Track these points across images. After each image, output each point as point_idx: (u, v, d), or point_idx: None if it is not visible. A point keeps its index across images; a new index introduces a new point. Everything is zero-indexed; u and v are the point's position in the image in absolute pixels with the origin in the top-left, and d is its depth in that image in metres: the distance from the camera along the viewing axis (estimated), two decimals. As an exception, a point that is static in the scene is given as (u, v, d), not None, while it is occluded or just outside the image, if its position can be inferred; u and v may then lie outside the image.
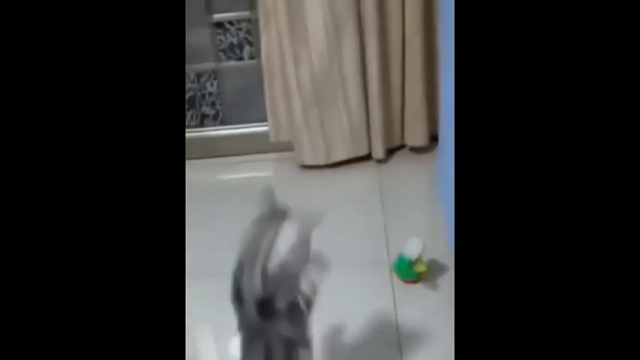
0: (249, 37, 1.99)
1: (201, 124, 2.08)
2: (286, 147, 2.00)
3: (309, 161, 1.95)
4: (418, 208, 1.61)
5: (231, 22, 1.97)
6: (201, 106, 2.06)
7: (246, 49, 2.01)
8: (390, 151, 1.97)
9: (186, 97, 2.03)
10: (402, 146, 2.00)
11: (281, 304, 0.88)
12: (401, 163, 1.94)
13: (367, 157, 1.95)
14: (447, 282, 1.35)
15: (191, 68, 2.00)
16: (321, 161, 1.94)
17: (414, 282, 1.39)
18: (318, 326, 0.97)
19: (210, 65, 2.02)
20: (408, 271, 1.39)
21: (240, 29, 1.99)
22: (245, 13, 1.97)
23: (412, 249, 1.36)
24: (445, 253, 1.40)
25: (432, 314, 1.29)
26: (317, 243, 1.55)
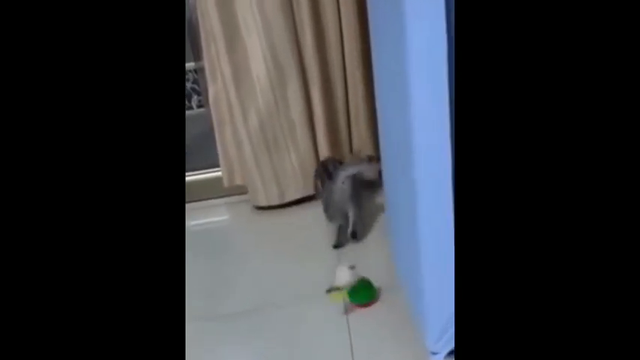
0: (197, 87, 2.04)
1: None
2: (240, 190, 2.04)
3: (263, 203, 1.99)
4: (371, 243, 1.66)
5: (177, 74, 2.02)
6: (153, 156, 2.08)
7: (194, 98, 2.06)
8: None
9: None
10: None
11: None
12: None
13: (320, 195, 2.01)
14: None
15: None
16: (275, 202, 1.98)
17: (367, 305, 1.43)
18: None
19: (160, 117, 2.05)
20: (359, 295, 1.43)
21: (187, 80, 2.03)
22: (190, 64, 2.02)
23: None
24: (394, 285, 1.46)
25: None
26: (274, 280, 1.60)
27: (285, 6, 1.78)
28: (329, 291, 1.40)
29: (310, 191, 1.98)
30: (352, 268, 1.40)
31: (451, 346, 1.16)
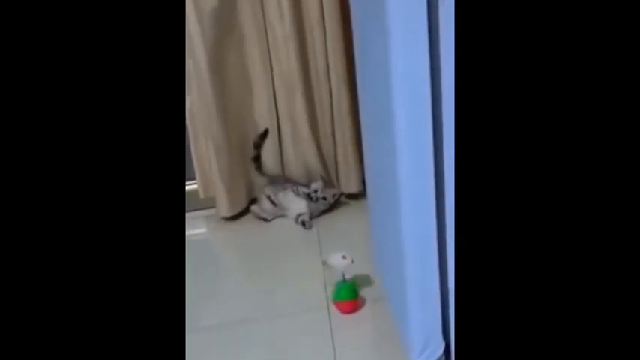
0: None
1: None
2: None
3: (240, 208, 1.98)
4: (357, 254, 1.65)
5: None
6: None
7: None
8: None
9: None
10: (340, 194, 2.04)
11: None
12: (337, 210, 1.99)
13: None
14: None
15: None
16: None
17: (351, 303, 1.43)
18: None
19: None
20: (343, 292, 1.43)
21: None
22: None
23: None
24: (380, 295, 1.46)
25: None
26: (256, 292, 1.58)
27: (262, 25, 1.80)
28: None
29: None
30: (344, 257, 1.43)
31: (434, 357, 1.17)
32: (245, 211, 2.01)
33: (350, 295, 1.43)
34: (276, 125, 1.93)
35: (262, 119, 1.92)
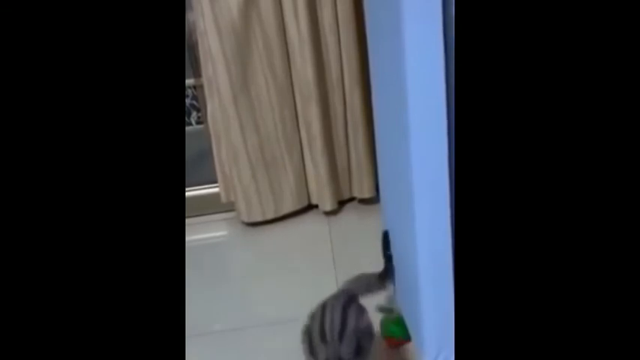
0: (196, 103, 2.05)
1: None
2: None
3: (258, 218, 1.99)
4: (369, 262, 1.65)
5: (177, 90, 2.03)
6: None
7: (193, 114, 2.06)
8: (340, 204, 2.03)
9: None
10: (352, 199, 2.06)
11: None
12: (350, 216, 2.00)
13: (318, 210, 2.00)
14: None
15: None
16: (271, 215, 1.98)
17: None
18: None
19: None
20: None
21: (186, 96, 2.04)
22: (190, 81, 2.03)
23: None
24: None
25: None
26: (271, 297, 1.58)
27: (282, 26, 1.80)
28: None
29: (304, 204, 2.00)
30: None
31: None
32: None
33: (403, 331, 1.36)
34: (297, 132, 1.93)
35: (283, 125, 1.93)
